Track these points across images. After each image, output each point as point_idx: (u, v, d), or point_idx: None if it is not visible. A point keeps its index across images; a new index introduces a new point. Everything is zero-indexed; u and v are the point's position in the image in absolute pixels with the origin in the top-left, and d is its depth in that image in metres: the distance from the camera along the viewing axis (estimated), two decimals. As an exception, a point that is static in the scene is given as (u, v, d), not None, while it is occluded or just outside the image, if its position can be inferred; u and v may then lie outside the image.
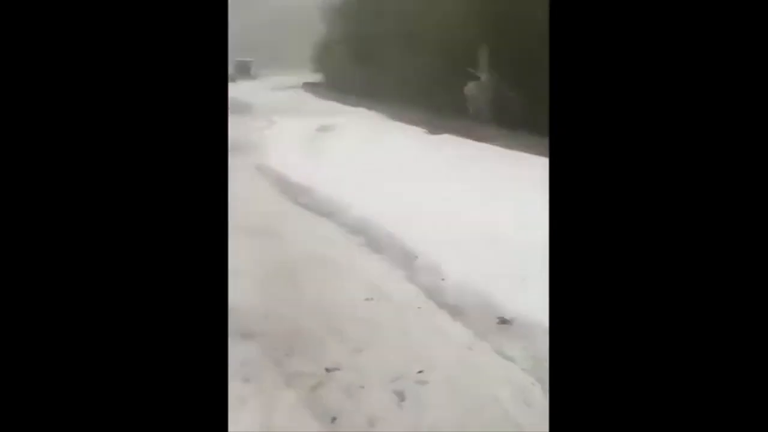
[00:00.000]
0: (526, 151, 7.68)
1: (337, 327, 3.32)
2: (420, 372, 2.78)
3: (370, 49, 17.83)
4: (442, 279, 3.72)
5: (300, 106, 18.13)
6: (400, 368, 2.82)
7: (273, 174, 7.36)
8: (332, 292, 3.82)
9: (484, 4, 11.64)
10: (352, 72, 19.94)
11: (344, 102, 18.55)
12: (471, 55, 11.92)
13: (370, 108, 16.04)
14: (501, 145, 9.01)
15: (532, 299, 3.13)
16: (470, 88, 12.25)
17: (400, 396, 2.61)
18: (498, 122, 11.14)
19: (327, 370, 2.87)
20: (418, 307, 3.52)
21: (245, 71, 34.11)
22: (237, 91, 21.42)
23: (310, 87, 25.59)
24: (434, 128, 11.75)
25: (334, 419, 2.47)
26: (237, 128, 11.60)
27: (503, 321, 3.18)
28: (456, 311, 3.39)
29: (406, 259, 4.17)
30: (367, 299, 3.66)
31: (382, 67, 16.97)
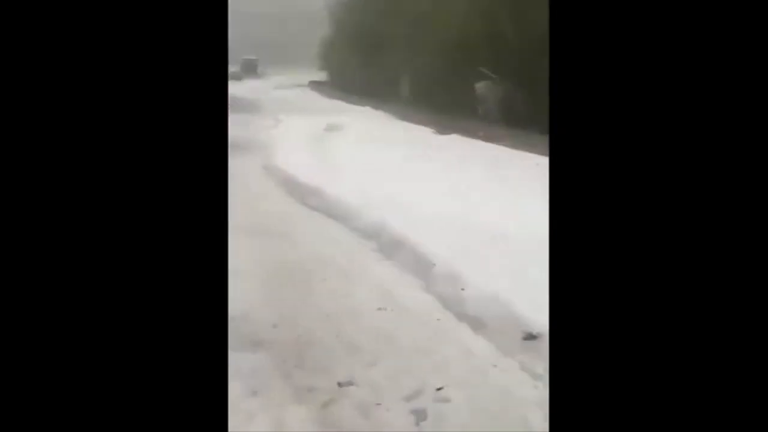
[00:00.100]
0: (536, 152, 7.48)
1: (349, 338, 3.15)
2: (439, 389, 2.61)
3: (376, 48, 17.67)
4: (462, 289, 3.50)
5: (306, 104, 18.03)
6: (418, 385, 2.65)
7: (280, 174, 7.19)
8: (344, 300, 3.64)
9: (492, 3, 11.48)
10: (359, 71, 19.79)
11: (350, 101, 18.43)
12: (480, 55, 11.77)
13: (376, 107, 15.92)
14: (511, 146, 8.84)
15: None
16: (481, 87, 12.10)
17: (419, 415, 2.44)
18: (507, 122, 10.99)
19: (339, 384, 2.70)
20: (437, 319, 3.33)
21: (252, 69, 34.17)
22: (243, 89, 21.31)
23: (315, 85, 25.52)
24: (442, 128, 11.61)
25: (347, 440, 2.32)
26: (243, 127, 11.52)
27: (530, 336, 2.98)
28: (477, 324, 3.19)
29: (421, 267, 3.97)
30: (379, 309, 3.48)
31: (390, 66, 16.82)
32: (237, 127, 11.16)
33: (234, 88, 16.99)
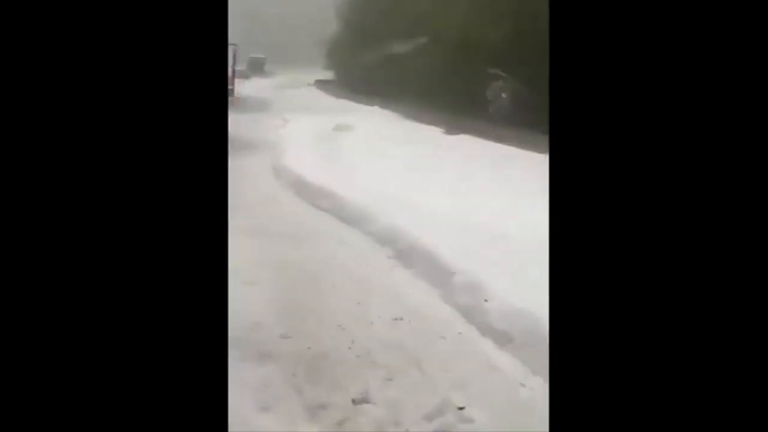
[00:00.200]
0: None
1: (364, 351, 2.99)
2: (461, 409, 2.44)
3: (383, 46, 17.53)
4: (485, 300, 3.30)
5: (313, 103, 17.92)
6: (439, 403, 2.48)
7: (290, 175, 7.00)
8: (357, 309, 3.47)
9: (502, 2, 11.34)
10: (365, 69, 19.65)
11: (357, 100, 18.31)
12: (489, 54, 11.63)
13: (384, 107, 15.79)
14: (524, 147, 8.66)
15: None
16: (491, 87, 11.97)
17: (441, 437, 2.28)
18: (518, 122, 10.82)
19: (354, 401, 2.54)
20: (459, 333, 3.15)
21: (259, 68, 34.19)
22: (250, 87, 21.27)
23: (322, 84, 25.44)
24: (451, 128, 11.47)
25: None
26: (252, 126, 11.42)
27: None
28: (503, 338, 3.01)
29: (440, 275, 3.76)
30: (395, 319, 3.31)
31: (396, 65, 16.67)
32: (245, 126, 11.08)
33: (241, 87, 16.92)
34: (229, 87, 14.71)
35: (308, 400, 2.56)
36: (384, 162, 7.37)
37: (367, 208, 5.19)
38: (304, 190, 6.31)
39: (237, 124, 10.57)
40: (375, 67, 18.61)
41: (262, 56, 36.34)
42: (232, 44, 15.16)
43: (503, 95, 11.78)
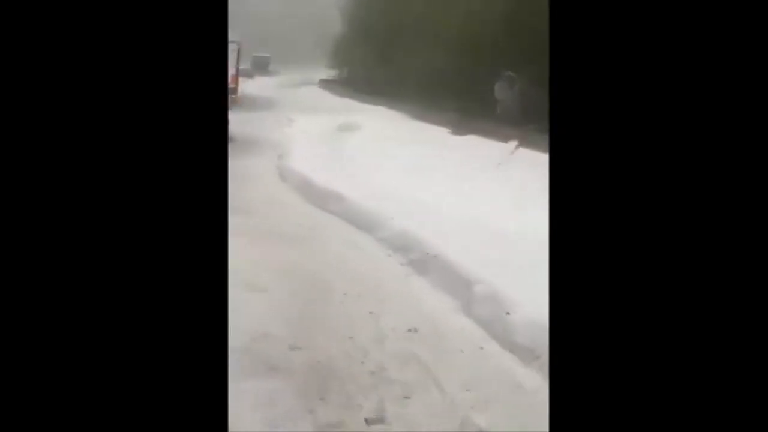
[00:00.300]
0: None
1: (378, 365, 2.83)
2: (484, 432, 2.28)
3: (390, 46, 17.39)
4: (507, 313, 3.10)
5: (318, 103, 17.86)
6: (459, 426, 2.32)
7: (297, 177, 6.84)
8: (370, 321, 3.31)
9: (509, 0, 11.20)
10: (371, 69, 19.51)
11: (362, 100, 18.21)
12: (496, 52, 11.49)
13: (389, 107, 15.67)
14: (533, 148, 8.48)
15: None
16: (498, 86, 11.81)
17: (462, 462, 2.13)
18: (526, 122, 10.66)
19: (367, 421, 2.39)
20: (480, 348, 2.97)
21: (262, 67, 34.23)
22: (254, 86, 21.23)
23: (326, 84, 25.38)
24: (458, 128, 11.32)
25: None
26: (255, 125, 11.31)
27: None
28: (528, 355, 2.82)
29: (459, 285, 3.56)
30: (410, 330, 3.14)
31: (402, 64, 16.53)
32: (250, 125, 10.97)
33: (245, 86, 16.83)
34: (232, 86, 14.65)
35: (319, 420, 2.42)
36: (392, 163, 7.19)
37: (377, 212, 5.00)
38: (311, 192, 6.14)
39: (240, 123, 10.48)
40: (379, 67, 18.47)
41: (266, 55, 36.39)
42: (234, 42, 15.09)
43: (511, 95, 11.61)
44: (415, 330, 3.15)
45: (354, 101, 18.31)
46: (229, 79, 14.56)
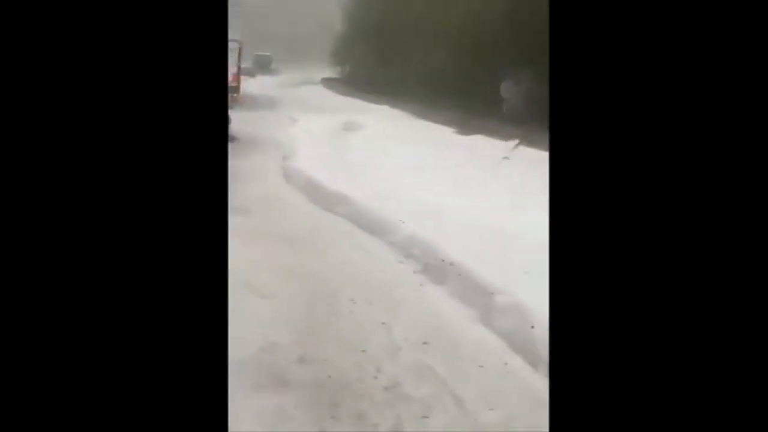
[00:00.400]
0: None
1: (393, 380, 2.66)
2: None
3: (393, 44, 17.25)
4: (532, 327, 2.92)
5: (321, 102, 17.77)
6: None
7: (302, 178, 6.67)
8: (382, 332, 3.14)
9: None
10: (374, 67, 19.37)
11: (365, 99, 18.11)
12: (502, 51, 11.35)
13: (393, 106, 15.55)
14: (540, 147, 8.31)
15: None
16: (504, 85, 11.68)
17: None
18: (533, 121, 10.51)
19: (384, 442, 2.24)
20: (505, 364, 2.80)
21: (264, 66, 34.29)
22: (256, 85, 21.17)
23: (328, 82, 25.31)
24: (464, 128, 11.18)
25: None
26: (258, 125, 11.16)
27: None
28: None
29: (477, 295, 3.36)
30: (425, 343, 2.98)
31: (406, 62, 16.39)
32: (252, 125, 10.82)
33: (246, 85, 16.73)
34: (234, 84, 14.54)
35: (331, 440, 2.26)
36: (399, 164, 7.01)
37: (386, 216, 4.81)
38: (317, 195, 5.95)
39: (243, 122, 10.34)
40: (382, 65, 18.32)
41: (268, 54, 36.42)
42: (236, 41, 15.01)
43: (517, 93, 11.47)
44: (430, 343, 2.98)
45: (357, 100, 18.20)
46: (231, 78, 14.48)
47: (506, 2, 11.37)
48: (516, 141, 8.60)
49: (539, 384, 2.57)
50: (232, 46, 14.76)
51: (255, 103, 16.06)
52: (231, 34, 14.27)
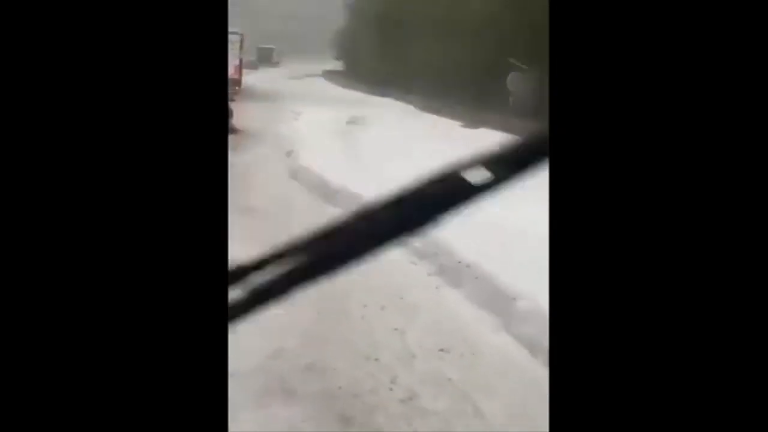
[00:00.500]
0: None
1: (408, 391, 2.50)
2: (540, 478, 1.96)
3: (396, 36, 17.08)
4: None
5: (324, 95, 17.64)
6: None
7: (307, 174, 6.49)
8: (395, 338, 2.98)
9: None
10: (377, 60, 19.19)
11: (369, 92, 17.97)
12: (508, 43, 11.20)
13: (397, 98, 15.41)
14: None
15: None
16: (511, 78, 11.53)
17: None
18: (540, 115, 10.36)
19: (402, 461, 2.08)
20: (529, 374, 2.62)
21: (267, 59, 34.29)
22: (259, 78, 21.07)
23: (331, 75, 25.21)
24: (469, 122, 11.05)
25: None
26: (259, 117, 11.03)
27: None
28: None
29: (497, 300, 3.18)
30: (442, 350, 2.82)
31: (409, 55, 16.22)
32: (255, 119, 10.70)
33: (249, 77, 16.63)
34: (236, 77, 14.44)
35: (346, 460, 2.10)
36: (407, 160, 6.82)
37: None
38: (323, 191, 5.78)
39: (244, 114, 10.21)
40: (385, 57, 18.15)
41: (271, 47, 36.40)
42: (238, 33, 14.93)
43: (524, 87, 11.31)
44: (447, 351, 2.82)
45: (360, 93, 18.07)
46: (233, 71, 14.38)
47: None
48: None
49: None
50: (234, 39, 14.68)
51: (258, 95, 15.95)
52: (233, 27, 14.17)
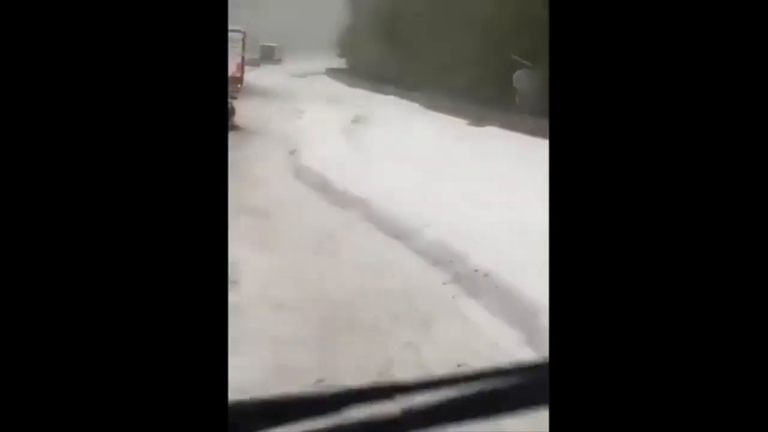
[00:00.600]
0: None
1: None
2: None
3: (400, 33, 16.97)
4: None
5: (327, 93, 17.58)
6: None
7: (312, 174, 6.35)
8: (408, 354, 2.80)
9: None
10: (380, 57, 19.09)
11: (372, 89, 17.89)
12: (513, 40, 11.07)
13: (401, 96, 15.29)
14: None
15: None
16: (518, 76, 11.40)
17: None
18: (546, 112, 10.25)
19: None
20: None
21: (270, 56, 34.38)
22: (262, 76, 21.03)
23: (334, 73, 25.18)
24: (475, 119, 10.92)
25: None
26: (261, 115, 10.89)
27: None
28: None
29: (518, 311, 3.01)
30: (460, 366, 2.63)
31: (413, 52, 16.11)
32: (254, 116, 10.55)
33: (251, 75, 16.53)
34: (238, 75, 14.35)
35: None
36: (416, 160, 6.64)
37: (408, 218, 4.44)
38: (330, 193, 5.61)
39: (246, 113, 10.07)
40: (388, 55, 18.05)
41: (274, 44, 36.51)
42: (240, 31, 14.84)
43: (530, 84, 11.17)
44: (466, 365, 2.63)
45: (365, 91, 17.98)
46: (235, 69, 14.28)
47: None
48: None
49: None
50: (236, 37, 14.59)
51: (259, 93, 15.85)
52: (235, 25, 14.06)
